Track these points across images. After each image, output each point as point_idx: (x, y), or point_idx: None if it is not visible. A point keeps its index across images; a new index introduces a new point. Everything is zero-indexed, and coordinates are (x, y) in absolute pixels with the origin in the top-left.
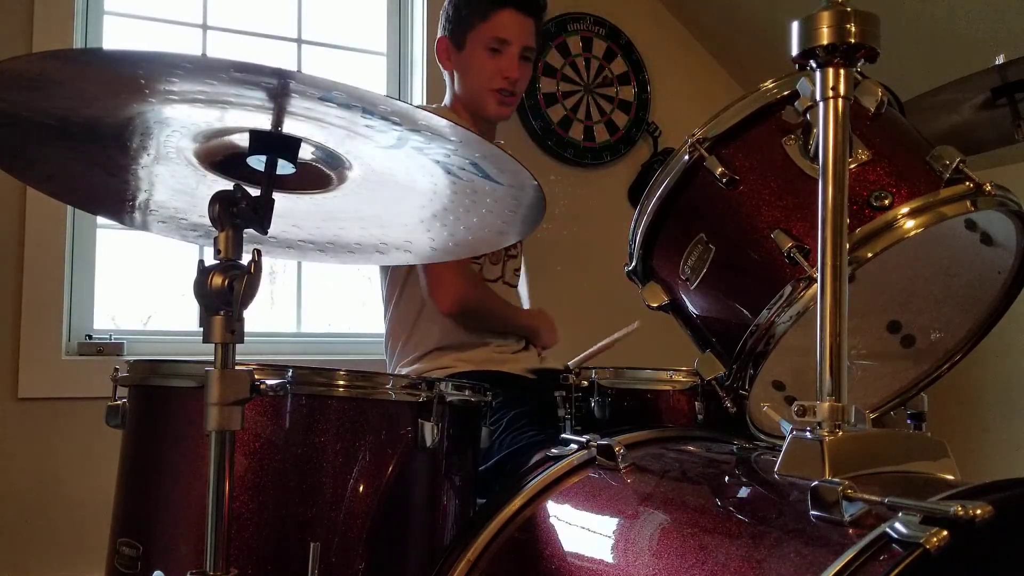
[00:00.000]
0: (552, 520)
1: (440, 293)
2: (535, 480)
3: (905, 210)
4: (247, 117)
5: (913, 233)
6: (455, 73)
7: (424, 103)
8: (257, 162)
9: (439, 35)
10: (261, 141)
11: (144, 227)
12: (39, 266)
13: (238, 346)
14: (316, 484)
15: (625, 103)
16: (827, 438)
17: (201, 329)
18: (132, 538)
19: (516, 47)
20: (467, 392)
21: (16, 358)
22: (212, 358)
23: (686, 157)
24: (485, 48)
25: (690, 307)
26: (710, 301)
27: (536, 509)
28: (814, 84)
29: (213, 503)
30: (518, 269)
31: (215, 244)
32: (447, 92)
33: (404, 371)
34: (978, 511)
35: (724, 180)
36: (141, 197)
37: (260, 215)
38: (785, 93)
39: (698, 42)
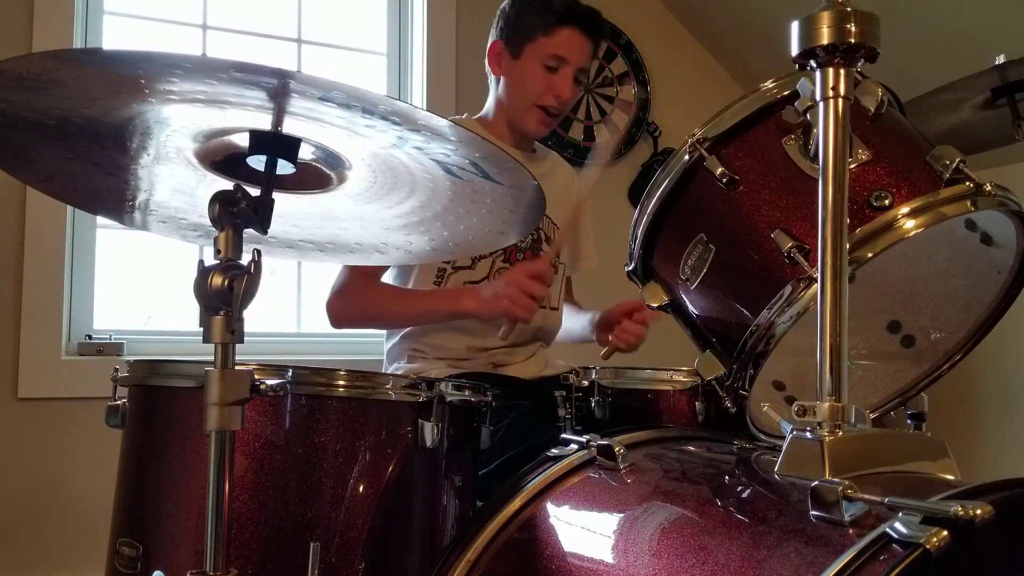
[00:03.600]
0: (552, 520)
1: (327, 304)
2: (535, 480)
3: (905, 210)
4: (247, 117)
5: (913, 233)
6: (502, 80)
7: (425, 104)
8: (257, 162)
9: (493, 38)
10: (261, 141)
11: (144, 227)
12: (39, 266)
13: (238, 346)
14: (316, 484)
15: (625, 103)
16: (827, 438)
17: (201, 329)
18: (132, 538)
19: (572, 67)
20: (467, 392)
21: (16, 358)
22: (212, 358)
23: (686, 157)
24: (542, 63)
25: (690, 307)
26: (710, 301)
27: (536, 509)
28: (814, 84)
29: (213, 503)
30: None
31: (215, 244)
32: (489, 98)
33: (401, 370)
34: (978, 511)
35: (724, 180)
36: (141, 197)
37: (260, 215)
38: (785, 93)
39: (698, 42)
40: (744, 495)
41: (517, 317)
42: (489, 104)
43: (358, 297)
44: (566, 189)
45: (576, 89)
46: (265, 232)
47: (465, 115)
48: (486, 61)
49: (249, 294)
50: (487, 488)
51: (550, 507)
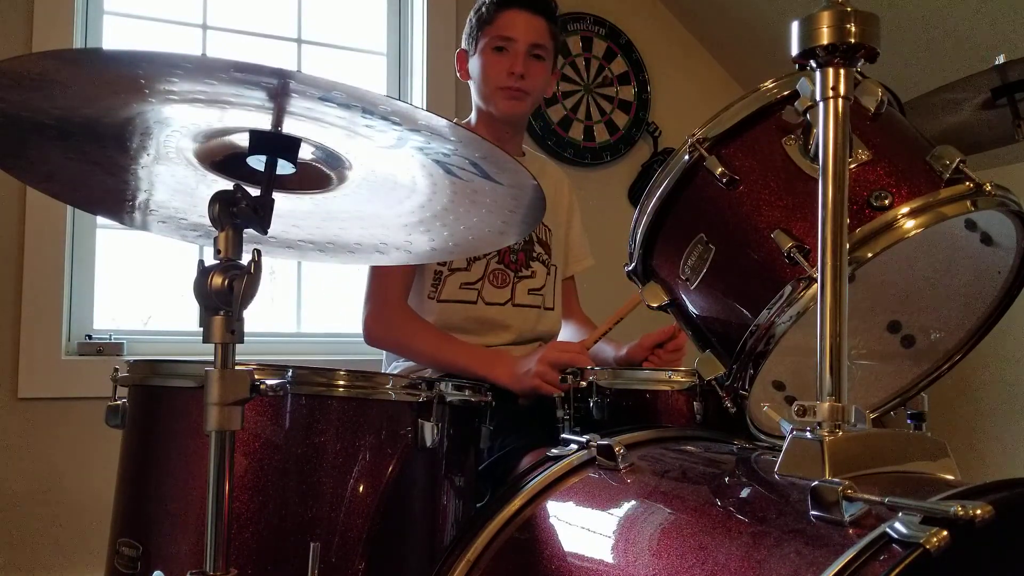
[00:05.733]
0: (552, 520)
1: (364, 320)
2: (535, 480)
3: (905, 210)
4: (247, 117)
5: (913, 233)
6: (471, 82)
7: (424, 104)
8: (257, 162)
9: (459, 49)
10: (261, 141)
11: (144, 227)
12: (39, 266)
13: (238, 346)
14: (316, 484)
15: (625, 103)
16: (827, 438)
17: (201, 329)
18: (132, 538)
19: (522, 44)
20: (467, 392)
21: (16, 358)
22: (212, 358)
23: (686, 157)
24: (491, 48)
25: (690, 307)
26: (710, 301)
27: (536, 509)
28: (814, 84)
29: (213, 503)
30: (537, 289)
31: (215, 244)
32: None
33: (399, 369)
34: (978, 511)
35: (724, 180)
36: (141, 197)
37: (260, 215)
38: (785, 93)
39: (698, 42)
40: (744, 495)
41: (546, 393)
42: (472, 113)
43: (396, 328)
44: (556, 191)
45: (536, 65)
46: (265, 232)
47: (455, 120)
48: (457, 72)
49: (249, 294)
50: (480, 487)
51: (550, 507)
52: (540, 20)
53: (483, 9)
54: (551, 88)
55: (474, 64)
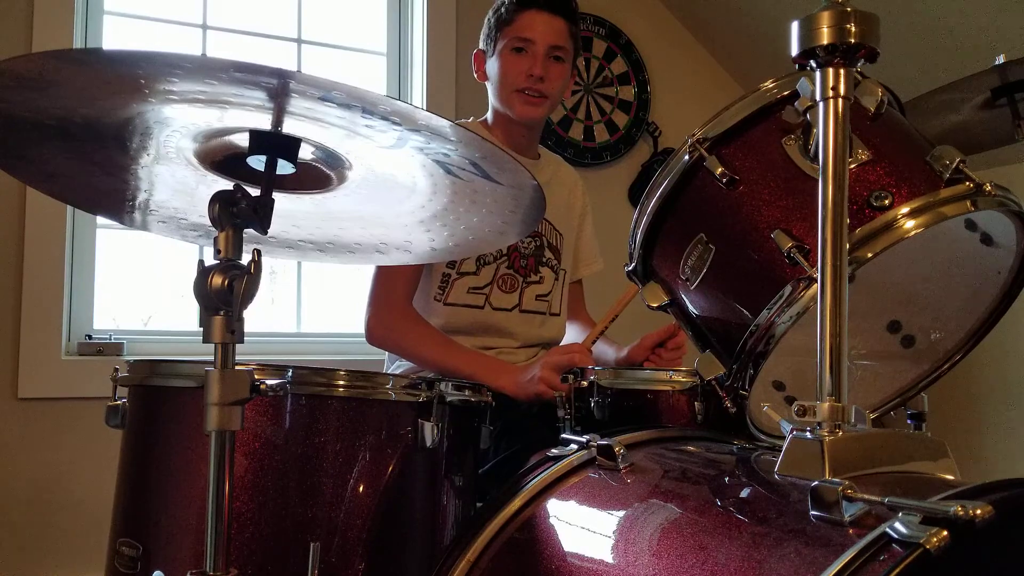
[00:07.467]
0: (552, 520)
1: (366, 321)
2: (535, 480)
3: (905, 210)
4: (247, 117)
5: (913, 233)
6: (488, 83)
7: (424, 104)
8: (257, 162)
9: (476, 49)
10: (261, 141)
11: (144, 227)
12: (39, 266)
13: (238, 346)
14: (316, 484)
15: (625, 103)
16: (827, 438)
17: (201, 329)
18: (132, 538)
19: (542, 46)
20: (467, 392)
21: (16, 358)
22: (212, 358)
23: (686, 157)
24: (510, 49)
25: (690, 307)
26: (710, 301)
27: (536, 509)
28: (814, 84)
29: (213, 503)
30: (544, 295)
31: (215, 244)
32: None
33: (402, 369)
34: (978, 511)
35: (724, 180)
36: (141, 197)
37: (260, 215)
38: (785, 93)
39: (698, 42)
40: (744, 495)
41: (551, 398)
42: (488, 112)
43: (399, 331)
44: (570, 194)
45: (556, 67)
46: (265, 232)
47: (472, 119)
48: (474, 73)
49: (249, 294)
50: (483, 488)
51: (550, 507)
52: (560, 21)
53: (502, 9)
54: (569, 90)
55: (492, 65)
